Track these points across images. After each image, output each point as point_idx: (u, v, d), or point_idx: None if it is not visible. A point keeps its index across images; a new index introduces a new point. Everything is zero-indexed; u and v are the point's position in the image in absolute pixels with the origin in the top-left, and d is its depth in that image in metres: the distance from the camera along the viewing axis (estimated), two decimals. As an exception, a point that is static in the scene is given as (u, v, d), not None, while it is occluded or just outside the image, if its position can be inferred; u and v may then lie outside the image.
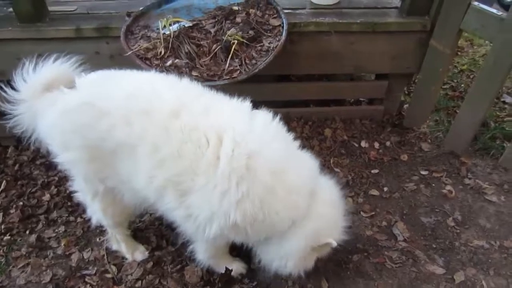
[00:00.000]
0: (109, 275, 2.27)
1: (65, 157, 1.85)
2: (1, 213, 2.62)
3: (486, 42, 4.24)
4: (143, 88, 1.72)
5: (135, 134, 1.62)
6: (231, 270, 2.22)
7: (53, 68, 1.83)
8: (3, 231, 2.52)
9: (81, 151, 1.77)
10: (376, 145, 3.06)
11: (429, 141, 3.07)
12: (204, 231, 1.69)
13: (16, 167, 2.97)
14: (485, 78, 2.49)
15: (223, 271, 2.21)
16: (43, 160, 3.00)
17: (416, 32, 2.75)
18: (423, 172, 2.81)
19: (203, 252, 2.09)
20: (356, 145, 3.07)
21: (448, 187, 2.68)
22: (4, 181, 2.82)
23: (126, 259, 2.35)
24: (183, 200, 1.65)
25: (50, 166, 2.93)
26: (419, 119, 3.13)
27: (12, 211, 2.63)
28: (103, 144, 1.70)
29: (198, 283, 2.21)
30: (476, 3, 2.40)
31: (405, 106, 3.30)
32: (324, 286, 2.18)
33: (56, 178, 2.86)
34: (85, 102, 1.69)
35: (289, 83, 3.17)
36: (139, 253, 2.37)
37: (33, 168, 2.96)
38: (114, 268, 2.31)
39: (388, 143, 3.07)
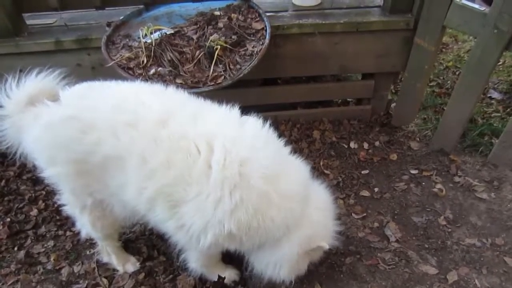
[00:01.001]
0: (100, 288, 2.25)
1: (51, 172, 1.82)
2: (-12, 231, 2.58)
3: (470, 37, 4.27)
4: (128, 99, 1.70)
5: (123, 146, 1.60)
6: (224, 277, 2.20)
7: (36, 82, 1.81)
8: (-10, 248, 2.48)
9: (67, 165, 1.74)
10: (365, 145, 3.05)
11: (418, 139, 3.07)
12: (198, 241, 1.66)
13: (2, 183, 2.92)
14: (470, 73, 2.49)
15: (216, 279, 2.20)
16: (29, 175, 2.96)
17: (399, 30, 2.74)
18: (413, 171, 2.80)
19: (196, 261, 2.08)
20: (346, 146, 3.06)
21: (439, 186, 2.68)
22: (-10, 198, 2.78)
23: (118, 271, 2.32)
24: (175, 211, 1.62)
25: (37, 180, 2.89)
26: (407, 117, 3.13)
27: (-1, 227, 2.60)
28: (90, 157, 1.67)
29: (190, 293, 2.19)
30: (458, -1, 2.40)
31: (393, 105, 3.30)
32: (317, 290, 2.18)
33: (44, 193, 2.82)
34: (70, 115, 1.66)
35: (275, 86, 3.15)
36: (131, 265, 2.34)
37: (20, 183, 2.91)
38: (105, 281, 2.28)
39: (377, 143, 3.06)
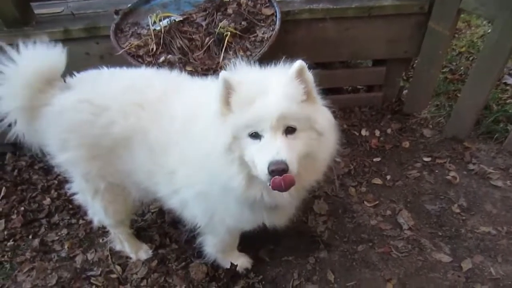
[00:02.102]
0: (114, 275, 2.28)
1: (63, 157, 1.86)
2: (3, 219, 2.62)
3: (484, 22, 4.16)
4: (136, 81, 1.80)
5: (132, 125, 1.70)
6: (236, 265, 2.21)
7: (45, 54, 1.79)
8: (6, 237, 2.52)
9: (80, 149, 1.79)
10: (377, 133, 3.01)
11: (431, 126, 3.02)
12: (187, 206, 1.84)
13: (15, 173, 2.96)
14: (486, 58, 2.43)
15: (229, 266, 2.21)
16: (41, 165, 2.99)
17: (413, 14, 2.68)
18: (426, 159, 2.77)
19: (213, 246, 2.11)
20: (357, 134, 3.02)
21: (452, 173, 2.64)
22: (4, 188, 2.82)
23: (131, 258, 2.35)
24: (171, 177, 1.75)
25: (49, 170, 2.93)
26: (419, 104, 3.07)
27: (13, 216, 2.63)
28: (102, 140, 1.74)
29: (203, 279, 2.21)
30: (475, -19, 2.33)
31: (405, 92, 3.24)
32: (330, 277, 2.17)
33: (56, 182, 2.85)
34: (82, 99, 1.71)
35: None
36: (143, 252, 2.38)
37: (32, 173, 2.95)
38: (119, 268, 2.32)
39: (389, 131, 3.02)
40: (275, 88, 1.39)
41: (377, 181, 2.67)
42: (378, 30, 2.76)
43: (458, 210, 2.42)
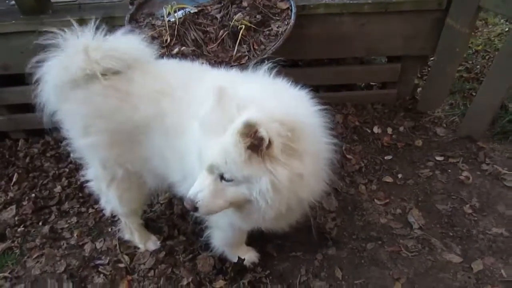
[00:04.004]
0: (122, 265, 2.29)
1: (85, 142, 1.88)
2: (14, 205, 2.64)
3: (502, 20, 4.07)
4: (161, 70, 1.83)
5: (152, 112, 1.73)
6: (244, 259, 2.21)
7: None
8: (16, 222, 2.55)
9: (102, 135, 1.82)
10: (389, 130, 2.98)
11: (444, 125, 2.97)
12: None
13: (27, 160, 2.99)
14: (504, 57, 2.39)
15: (236, 260, 2.21)
16: (53, 152, 3.02)
17: (431, 11, 2.64)
18: (438, 158, 2.73)
19: (219, 239, 2.12)
20: (369, 131, 2.99)
21: (465, 173, 2.60)
22: (16, 174, 2.85)
23: (139, 248, 2.36)
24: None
25: (60, 158, 2.96)
26: (434, 102, 3.03)
27: (24, 203, 2.66)
28: (124, 126, 1.77)
29: (210, 272, 2.22)
30: (496, -22, 2.28)
31: (419, 89, 3.20)
32: (338, 274, 2.16)
33: (67, 170, 2.87)
34: (108, 85, 1.73)
35: (297, 68, 3.08)
36: (152, 243, 2.39)
37: (44, 160, 2.97)
38: (126, 258, 2.33)
39: (401, 128, 2.98)
40: (228, 134, 1.34)
41: (388, 179, 2.64)
42: (394, 26, 2.72)
43: (470, 211, 2.38)
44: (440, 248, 2.22)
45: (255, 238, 2.26)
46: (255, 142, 1.31)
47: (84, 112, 1.80)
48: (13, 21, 2.58)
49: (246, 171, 1.36)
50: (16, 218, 2.57)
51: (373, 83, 3.33)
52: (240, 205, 1.53)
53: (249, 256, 2.24)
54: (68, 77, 1.72)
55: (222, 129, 1.37)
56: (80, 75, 1.70)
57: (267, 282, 2.17)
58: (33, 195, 2.70)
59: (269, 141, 1.30)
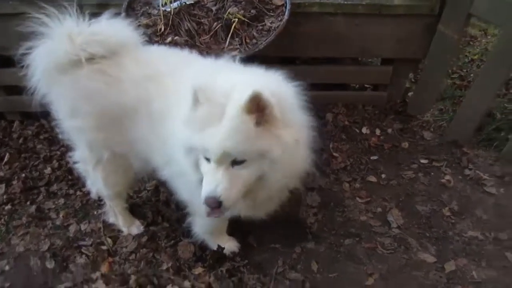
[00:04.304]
0: (104, 247, 2.33)
1: (72, 124, 1.94)
2: (4, 184, 2.69)
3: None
4: (150, 56, 1.88)
5: (140, 96, 1.77)
6: (224, 248, 2.25)
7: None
8: (5, 201, 2.60)
9: (89, 117, 1.86)
10: (378, 131, 3.02)
11: (432, 129, 3.01)
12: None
13: (21, 141, 3.04)
14: (492, 65, 2.43)
15: (216, 248, 2.25)
16: (46, 135, 3.07)
17: (423, 15, 2.68)
18: (423, 161, 2.77)
19: (199, 227, 2.16)
20: (357, 131, 3.03)
21: (447, 177, 2.64)
22: (8, 154, 2.90)
23: (122, 232, 2.41)
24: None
25: (53, 141, 3.00)
26: (423, 107, 3.07)
27: (14, 182, 2.71)
28: (112, 109, 1.80)
29: (190, 259, 2.26)
30: (486, -14, 2.32)
31: (410, 93, 3.24)
32: (314, 267, 2.20)
33: (58, 153, 2.92)
34: (97, 69, 1.77)
35: (292, 66, 3.11)
36: (135, 227, 2.43)
37: (37, 142, 3.02)
38: (109, 241, 2.37)
39: (389, 130, 3.03)
40: (228, 117, 1.38)
41: (372, 178, 2.69)
42: (387, 29, 2.77)
43: (448, 213, 2.42)
44: (415, 247, 2.26)
45: (237, 229, 2.30)
46: (260, 114, 1.38)
47: (72, 95, 1.84)
48: (11, 2, 2.62)
49: (259, 144, 1.42)
50: (4, 197, 2.61)
51: (367, 85, 3.37)
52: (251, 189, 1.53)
53: (229, 245, 2.29)
54: (55, 62, 1.77)
55: (217, 118, 1.39)
56: (66, 61, 1.75)
57: (245, 271, 2.20)
58: (23, 175, 2.75)
59: (272, 108, 1.37)
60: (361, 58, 3.27)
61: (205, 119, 1.41)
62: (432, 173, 2.69)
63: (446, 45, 2.65)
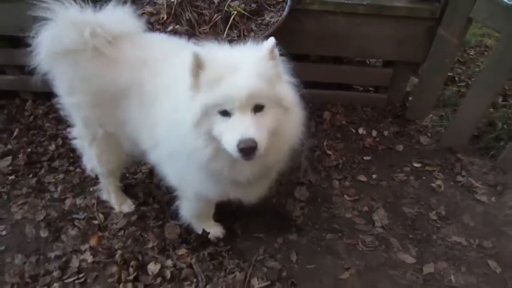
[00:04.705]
0: (96, 222, 2.44)
1: (69, 100, 2.06)
2: (11, 157, 2.85)
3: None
4: (148, 41, 1.98)
5: (133, 78, 1.86)
6: (208, 232, 2.32)
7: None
8: (9, 171, 2.75)
9: (85, 96, 1.97)
10: (374, 133, 3.02)
11: (429, 135, 3.00)
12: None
13: (31, 119, 3.21)
14: (490, 70, 2.40)
15: (200, 232, 2.31)
16: (55, 115, 3.21)
17: (424, 19, 2.67)
18: (416, 164, 2.76)
19: (186, 210, 2.23)
20: (353, 131, 3.04)
21: (438, 182, 2.62)
22: (18, 129, 3.07)
23: (114, 209, 2.51)
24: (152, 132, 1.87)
25: (60, 120, 3.13)
26: (422, 111, 3.05)
27: (20, 155, 2.86)
28: (106, 89, 1.90)
29: (175, 240, 2.34)
30: (486, -9, 2.31)
31: (410, 98, 3.22)
32: (293, 258, 2.24)
33: (64, 132, 3.05)
34: (97, 51, 1.85)
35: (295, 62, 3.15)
36: (126, 206, 2.53)
37: (45, 121, 3.18)
38: (101, 216, 2.48)
39: (386, 133, 3.02)
40: (246, 67, 1.45)
41: (362, 178, 2.70)
42: (388, 30, 2.78)
43: (435, 217, 2.41)
44: (396, 247, 2.26)
45: (224, 216, 2.37)
46: (276, 62, 1.51)
47: (71, 73, 1.94)
48: None
49: (277, 89, 1.51)
50: (10, 168, 2.77)
51: (369, 87, 3.37)
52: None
53: (215, 230, 2.35)
54: (59, 47, 1.86)
55: (230, 72, 1.44)
56: (70, 47, 1.83)
57: (226, 256, 2.26)
58: (29, 149, 2.90)
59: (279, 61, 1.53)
60: (368, 60, 3.28)
61: (217, 74, 1.45)
62: (424, 177, 2.68)
63: (445, 50, 2.63)
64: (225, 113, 1.47)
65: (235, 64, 1.46)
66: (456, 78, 3.66)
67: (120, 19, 1.92)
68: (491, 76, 2.40)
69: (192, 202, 2.14)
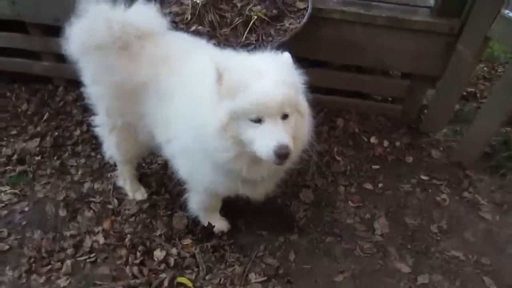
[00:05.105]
0: (110, 206, 2.61)
1: (94, 90, 2.22)
2: (39, 138, 3.06)
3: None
4: (168, 39, 2.09)
5: (152, 74, 1.98)
6: (214, 226, 2.43)
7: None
8: (37, 152, 2.95)
9: (108, 86, 2.11)
10: (385, 143, 3.04)
11: (441, 149, 2.99)
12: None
13: (61, 104, 3.41)
14: (502, 89, 2.40)
15: (206, 225, 2.43)
16: (83, 103, 3.37)
17: (443, 34, 2.68)
18: (423, 177, 2.78)
19: (194, 203, 2.34)
20: (365, 140, 3.08)
21: (444, 196, 2.64)
22: (48, 113, 3.28)
23: (127, 196, 2.66)
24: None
25: (87, 108, 3.30)
26: (436, 125, 3.05)
27: (47, 138, 3.06)
28: (127, 83, 2.03)
29: (182, 230, 2.47)
30: (506, 11, 2.30)
31: (426, 111, 3.23)
32: (291, 257, 2.33)
33: (89, 119, 3.20)
34: (120, 47, 1.99)
35: (311, 68, 3.21)
36: (139, 194, 2.68)
37: (73, 107, 3.37)
38: (116, 201, 2.64)
39: (397, 143, 3.04)
40: (273, 74, 1.54)
41: (368, 186, 2.74)
42: (405, 43, 2.80)
43: (435, 230, 2.44)
44: (394, 256, 2.30)
45: (230, 212, 2.48)
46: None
47: (98, 64, 2.09)
48: None
49: (298, 96, 1.64)
50: (37, 149, 2.97)
51: (387, 97, 3.39)
52: None
53: (220, 224, 2.46)
54: (92, 42, 1.98)
55: (254, 78, 1.52)
56: (100, 42, 1.95)
57: (228, 249, 2.37)
58: (56, 133, 3.10)
59: None
60: (391, 71, 3.30)
61: (242, 83, 1.53)
62: (430, 190, 2.70)
63: (462, 66, 2.63)
64: (256, 120, 1.55)
65: (259, 71, 1.54)
66: (478, 95, 3.61)
67: (148, 17, 2.05)
68: (504, 95, 2.40)
69: (201, 196, 2.26)
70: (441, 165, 2.87)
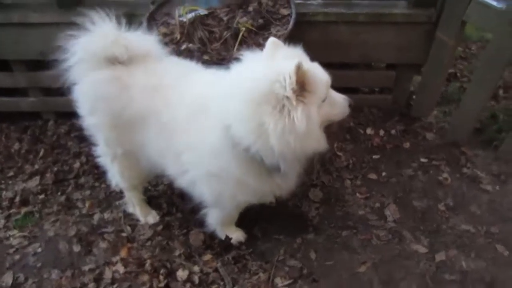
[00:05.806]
0: (124, 234, 2.59)
1: (91, 120, 2.19)
2: (39, 176, 3.01)
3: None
4: (159, 66, 2.06)
5: (147, 106, 1.96)
6: (231, 238, 2.46)
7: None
8: (39, 191, 2.91)
9: (104, 117, 2.09)
10: (381, 132, 3.16)
11: (434, 131, 3.13)
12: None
13: (54, 138, 3.37)
14: (485, 68, 2.55)
15: (223, 238, 2.46)
16: (77, 133, 3.37)
17: (422, 23, 2.81)
18: (422, 160, 2.90)
19: (215, 218, 2.35)
20: (362, 132, 3.18)
21: (445, 175, 2.76)
22: (43, 149, 3.23)
23: (140, 221, 2.66)
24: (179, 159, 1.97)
25: (82, 138, 3.27)
26: (425, 109, 3.19)
27: (47, 174, 3.02)
28: (122, 112, 2.01)
29: (200, 246, 2.48)
30: (478, -5, 2.45)
31: (414, 96, 3.36)
32: (312, 256, 2.38)
33: (87, 149, 3.20)
34: (114, 76, 2.00)
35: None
36: (151, 217, 2.67)
37: (68, 140, 3.34)
38: (129, 228, 2.63)
39: (393, 131, 3.16)
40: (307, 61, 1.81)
41: (373, 176, 2.83)
42: (388, 36, 2.92)
43: (443, 208, 2.55)
44: (409, 239, 2.40)
45: (244, 221, 2.50)
46: None
47: (91, 94, 2.07)
48: (50, 13, 2.90)
49: None
50: (39, 187, 2.92)
51: (375, 88, 3.51)
52: None
53: (237, 235, 2.49)
54: (91, 54, 1.96)
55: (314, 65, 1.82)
56: (101, 56, 1.96)
57: (249, 258, 2.40)
58: (55, 168, 3.06)
59: None
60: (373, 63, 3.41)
61: (315, 77, 1.71)
62: (431, 171, 2.82)
63: (443, 51, 2.78)
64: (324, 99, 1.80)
65: (307, 60, 1.86)
66: (458, 74, 3.78)
67: (147, 41, 2.06)
68: (486, 73, 2.54)
69: (225, 211, 2.25)
70: (437, 146, 3.00)
